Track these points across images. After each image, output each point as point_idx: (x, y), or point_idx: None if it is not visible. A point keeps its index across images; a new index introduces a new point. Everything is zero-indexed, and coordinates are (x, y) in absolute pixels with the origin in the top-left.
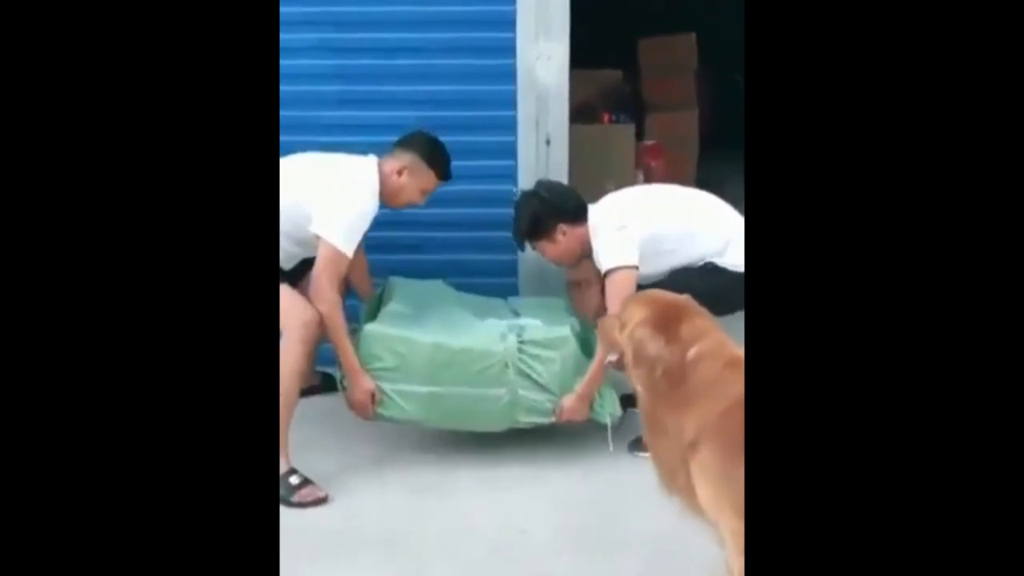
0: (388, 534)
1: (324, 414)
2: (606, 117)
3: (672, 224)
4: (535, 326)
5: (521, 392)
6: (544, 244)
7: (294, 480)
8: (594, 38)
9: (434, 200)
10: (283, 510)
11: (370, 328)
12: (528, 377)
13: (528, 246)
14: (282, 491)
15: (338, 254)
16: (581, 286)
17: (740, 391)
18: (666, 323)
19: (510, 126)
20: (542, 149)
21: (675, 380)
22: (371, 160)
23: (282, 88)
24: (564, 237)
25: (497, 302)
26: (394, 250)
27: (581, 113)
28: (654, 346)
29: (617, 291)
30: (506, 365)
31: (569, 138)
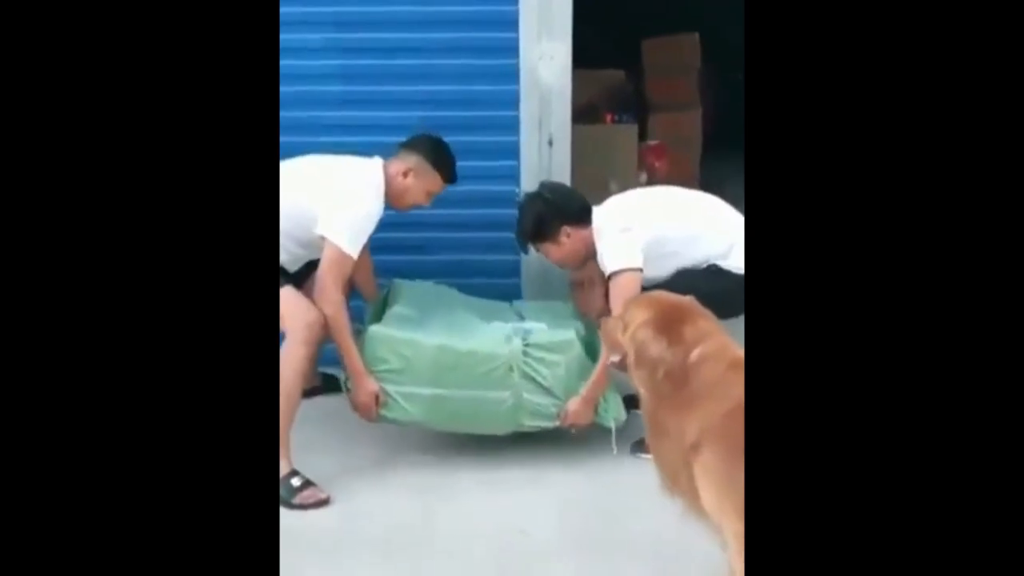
0: (390, 536)
1: (326, 415)
2: (609, 117)
3: (676, 226)
4: (540, 330)
5: (525, 396)
6: (548, 246)
7: (296, 482)
8: (597, 38)
9: (436, 201)
10: (284, 511)
11: (375, 330)
12: (533, 381)
13: (531, 248)
14: (284, 493)
15: (343, 255)
16: (584, 286)
17: (743, 393)
18: (669, 325)
19: (512, 126)
20: (544, 149)
21: (678, 382)
22: (376, 162)
23: (283, 88)
24: (568, 239)
25: (502, 305)
26: (396, 251)
27: (584, 113)
28: (656, 347)
29: (621, 293)
30: (511, 368)
31: (572, 138)
